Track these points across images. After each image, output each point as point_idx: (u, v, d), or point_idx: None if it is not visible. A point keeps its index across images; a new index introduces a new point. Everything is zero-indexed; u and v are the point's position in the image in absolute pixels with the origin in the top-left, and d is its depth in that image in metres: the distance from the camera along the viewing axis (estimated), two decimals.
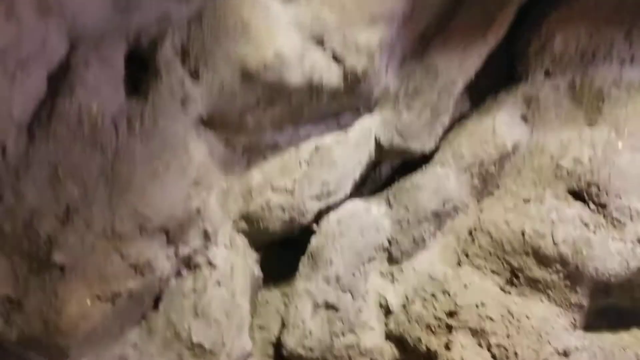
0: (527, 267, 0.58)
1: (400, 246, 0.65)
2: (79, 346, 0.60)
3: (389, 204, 0.67)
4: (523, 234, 0.58)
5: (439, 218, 0.66)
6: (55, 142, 0.58)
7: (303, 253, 0.68)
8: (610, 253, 0.56)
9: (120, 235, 0.56)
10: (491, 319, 0.56)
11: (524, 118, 0.68)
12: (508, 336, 0.55)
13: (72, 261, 0.55)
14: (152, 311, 0.63)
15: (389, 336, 0.64)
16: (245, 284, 0.64)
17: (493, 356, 0.55)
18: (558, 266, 0.57)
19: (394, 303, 0.64)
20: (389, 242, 0.66)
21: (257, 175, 0.66)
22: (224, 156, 0.65)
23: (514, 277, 0.59)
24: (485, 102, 0.70)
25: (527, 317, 0.55)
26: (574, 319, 0.58)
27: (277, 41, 0.61)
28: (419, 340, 0.60)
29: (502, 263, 0.60)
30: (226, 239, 0.64)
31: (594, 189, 0.58)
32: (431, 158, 0.69)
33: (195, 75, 0.60)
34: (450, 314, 0.58)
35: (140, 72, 0.61)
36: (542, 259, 0.57)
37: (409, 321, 0.62)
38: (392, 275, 0.66)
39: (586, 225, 0.57)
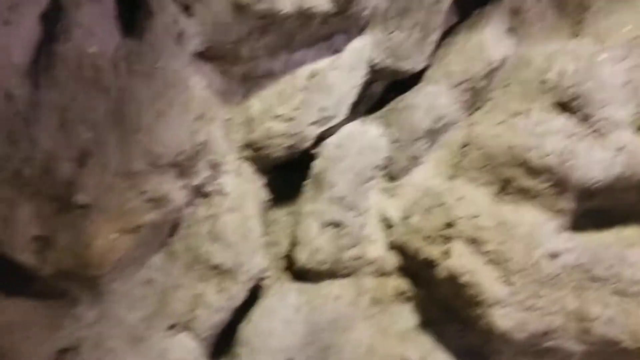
0: (517, 177, 0.62)
1: (397, 164, 0.69)
2: (109, 274, 0.66)
3: (385, 125, 0.70)
4: (512, 147, 0.62)
5: (433, 135, 0.69)
6: (59, 87, 0.60)
7: (305, 172, 0.73)
8: (594, 162, 0.60)
9: (135, 173, 0.60)
10: (485, 228, 0.61)
11: (511, 30, 0.70)
12: (501, 243, 0.60)
13: (94, 200, 0.59)
14: (171, 238, 0.69)
15: (392, 247, 0.70)
16: (255, 208, 0.69)
17: (488, 261, 0.61)
18: (546, 176, 0.61)
19: (394, 217, 0.69)
20: (387, 161, 0.70)
21: (256, 104, 0.68)
22: (222, 87, 0.68)
23: (505, 187, 0.64)
24: (472, 16, 0.71)
25: (519, 224, 0.60)
26: (562, 223, 0.63)
27: None
28: (419, 250, 0.65)
29: (494, 174, 0.64)
30: (233, 167, 0.68)
31: (578, 101, 0.61)
32: (422, 74, 0.72)
33: (187, 10, 0.61)
34: (447, 225, 0.63)
35: (130, 9, 0.62)
36: (531, 170, 0.61)
37: (409, 233, 0.67)
38: (392, 191, 0.71)
39: (571, 136, 0.61)
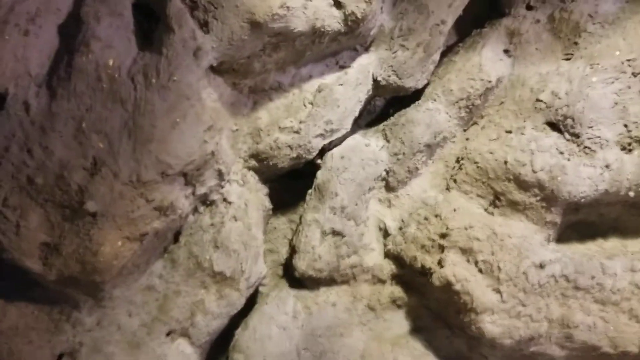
0: (509, 191, 0.66)
1: (396, 176, 0.73)
2: (112, 281, 0.68)
3: (386, 138, 0.74)
4: (505, 163, 0.66)
5: (431, 149, 0.73)
6: (76, 97, 0.62)
7: (306, 181, 0.76)
8: (582, 178, 0.64)
9: (145, 183, 0.63)
10: (478, 239, 0.64)
11: (507, 52, 0.74)
12: (492, 253, 0.64)
13: (103, 208, 0.62)
14: (174, 245, 0.71)
15: (388, 255, 0.74)
16: (258, 217, 0.72)
17: (480, 271, 0.64)
18: (536, 190, 0.65)
19: (392, 226, 0.73)
20: (387, 172, 0.74)
21: (264, 115, 0.71)
22: (232, 99, 0.70)
23: (497, 200, 0.68)
24: (472, 37, 0.76)
25: (509, 236, 0.63)
26: (549, 235, 0.67)
27: None
28: (415, 259, 0.68)
29: (486, 188, 0.68)
30: (238, 176, 0.71)
31: (569, 121, 0.65)
32: (422, 92, 0.76)
33: (205, 26, 0.64)
34: (442, 236, 0.66)
35: (149, 23, 0.64)
36: (522, 184, 0.65)
37: (405, 242, 0.70)
38: (390, 201, 0.75)
39: (561, 153, 0.65)
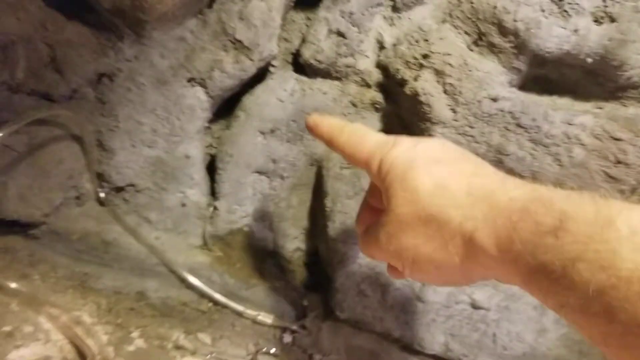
0: (490, 33, 0.75)
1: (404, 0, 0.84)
2: (153, 22, 0.83)
3: None
4: (494, 7, 0.73)
5: None
6: None
7: None
8: (552, 35, 0.71)
9: None
10: (451, 65, 0.75)
11: None
12: (459, 80, 0.75)
13: None
14: (207, 9, 0.86)
15: (378, 65, 0.86)
16: (280, 3, 0.83)
17: (444, 91, 0.76)
18: (511, 37, 0.74)
19: (388, 41, 0.85)
20: None
21: None
22: None
23: (479, 40, 0.77)
24: None
25: (477, 69, 0.74)
26: (512, 79, 0.78)
27: None
28: (397, 71, 0.81)
29: (474, 27, 0.77)
30: None
31: None
32: None
33: None
34: (424, 56, 0.77)
35: None
36: (502, 30, 0.73)
37: (395, 56, 0.82)
38: (392, 20, 0.84)
39: (542, 11, 0.72)
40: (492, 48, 0.78)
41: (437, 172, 0.42)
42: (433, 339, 0.82)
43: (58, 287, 0.88)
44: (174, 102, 0.88)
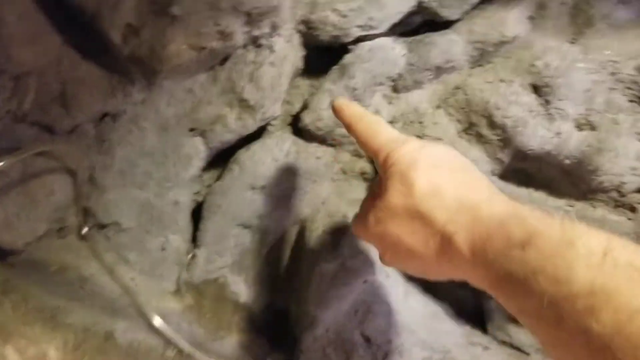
0: (480, 125, 0.81)
1: (404, 82, 0.88)
2: (166, 72, 0.87)
3: (409, 49, 0.88)
4: (487, 102, 0.80)
5: (439, 71, 0.87)
6: None
7: (335, 61, 0.92)
8: (536, 135, 0.78)
9: (219, 9, 0.80)
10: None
11: (531, 18, 0.88)
12: None
13: (182, 16, 0.78)
14: (219, 66, 0.90)
15: None
16: (290, 70, 0.89)
17: None
18: (499, 131, 0.79)
19: (385, 118, 0.90)
20: (398, 76, 0.88)
21: None
22: None
23: (469, 129, 0.82)
24: None
25: (463, 155, 0.81)
26: (494, 169, 0.84)
27: None
28: None
29: (466, 116, 0.82)
30: (287, 33, 0.88)
31: (547, 89, 0.80)
32: (452, 24, 0.91)
33: None
34: (417, 137, 0.84)
35: None
36: (492, 123, 0.79)
37: None
38: (391, 100, 0.90)
39: (531, 111, 0.78)
40: (480, 138, 0.85)
41: (435, 177, 0.48)
42: None
43: (28, 318, 0.88)
44: (173, 149, 0.91)
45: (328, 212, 0.95)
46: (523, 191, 0.88)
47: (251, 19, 0.84)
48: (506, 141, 0.82)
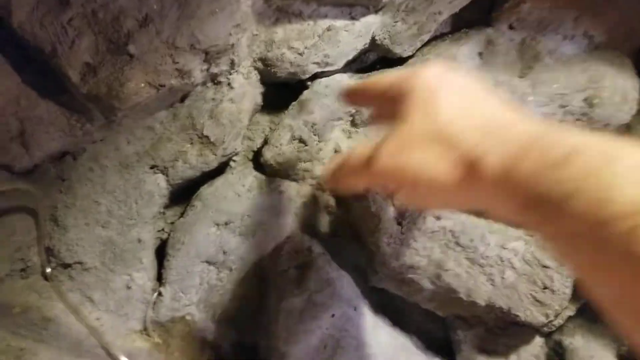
0: None
1: (362, 116, 0.90)
2: (126, 111, 0.88)
3: None
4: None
5: None
6: None
7: (294, 97, 0.94)
8: None
9: (177, 47, 0.81)
10: None
11: (480, 54, 0.91)
12: None
13: (139, 54, 0.80)
14: (179, 104, 0.91)
15: None
16: (249, 107, 0.91)
17: (393, 204, 0.84)
18: None
19: (344, 151, 0.93)
20: (356, 111, 0.91)
21: (280, 32, 0.88)
22: (261, 10, 0.88)
23: None
24: (459, 33, 0.93)
25: None
26: None
27: None
28: None
29: None
30: (245, 71, 0.90)
31: None
32: (405, 60, 0.94)
33: None
34: None
35: None
36: None
37: None
38: (350, 133, 0.92)
39: None
40: None
41: (461, 101, 0.44)
42: None
43: None
44: (134, 186, 0.91)
45: (293, 247, 0.94)
46: (483, 222, 0.88)
47: (209, 56, 0.85)
48: None
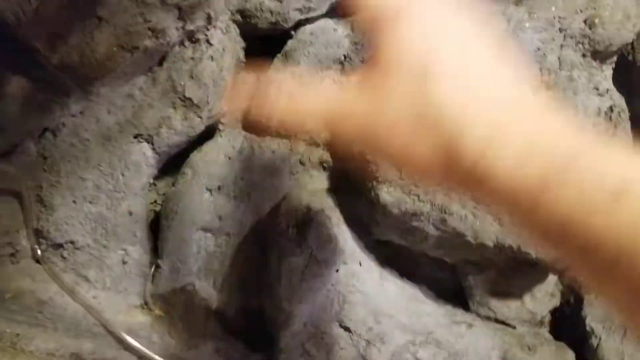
0: None
1: (352, 62, 0.87)
2: (101, 79, 0.84)
3: (352, 29, 0.87)
4: None
5: None
6: None
7: (278, 47, 0.90)
8: None
9: (147, 4, 0.77)
10: None
11: None
12: None
13: (108, 16, 0.76)
14: (157, 67, 0.87)
15: None
16: (231, 63, 0.87)
17: None
18: None
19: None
20: (345, 57, 0.87)
21: None
22: None
23: None
24: None
25: None
26: None
27: None
28: None
29: None
30: (223, 25, 0.86)
31: None
32: None
33: None
34: None
35: None
36: None
37: None
38: (341, 84, 0.90)
39: None
40: None
41: (462, 70, 0.35)
42: None
43: None
44: (119, 158, 0.89)
45: (290, 206, 0.92)
46: None
47: (183, 12, 0.81)
48: None
